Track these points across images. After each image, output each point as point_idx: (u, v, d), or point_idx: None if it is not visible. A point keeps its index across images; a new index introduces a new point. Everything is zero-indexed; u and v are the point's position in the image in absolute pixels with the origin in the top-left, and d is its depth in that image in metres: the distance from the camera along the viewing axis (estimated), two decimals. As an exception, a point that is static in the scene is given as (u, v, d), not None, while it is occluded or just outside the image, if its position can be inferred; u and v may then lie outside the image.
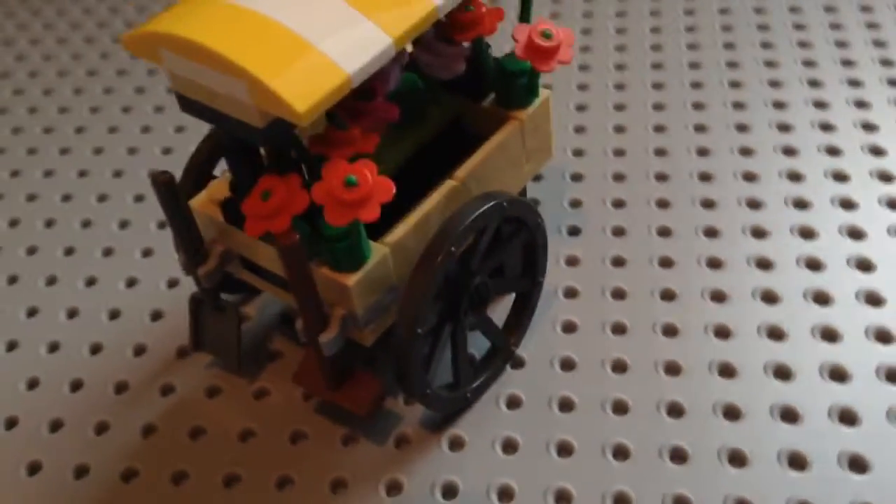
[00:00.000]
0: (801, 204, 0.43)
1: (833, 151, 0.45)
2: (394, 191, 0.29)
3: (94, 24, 0.63)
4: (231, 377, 0.39)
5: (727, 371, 0.37)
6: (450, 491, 0.35)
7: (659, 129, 0.48)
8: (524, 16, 0.38)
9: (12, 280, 0.45)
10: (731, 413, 0.36)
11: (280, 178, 0.31)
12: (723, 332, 0.38)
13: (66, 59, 0.60)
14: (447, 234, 0.32)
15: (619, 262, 0.42)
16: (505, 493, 0.34)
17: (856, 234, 0.41)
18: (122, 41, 0.31)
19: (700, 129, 0.48)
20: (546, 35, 0.35)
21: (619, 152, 0.47)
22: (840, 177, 0.44)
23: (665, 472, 0.34)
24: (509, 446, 0.36)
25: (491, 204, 0.33)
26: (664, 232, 0.43)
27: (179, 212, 0.34)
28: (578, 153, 0.47)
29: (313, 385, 0.35)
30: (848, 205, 0.43)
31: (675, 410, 0.36)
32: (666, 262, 0.41)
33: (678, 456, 0.34)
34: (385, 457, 0.36)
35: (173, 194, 0.33)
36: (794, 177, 0.44)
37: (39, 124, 0.55)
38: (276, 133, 0.30)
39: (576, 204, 0.45)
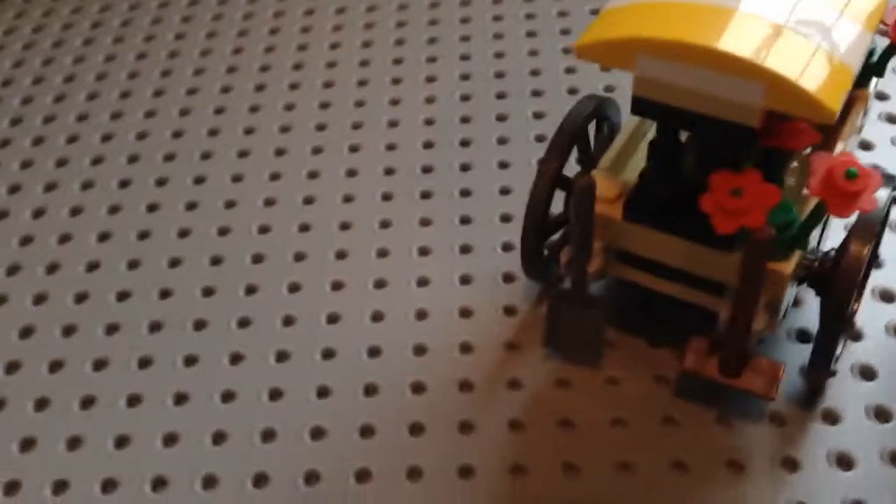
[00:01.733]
0: None
1: None
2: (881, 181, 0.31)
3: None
4: (575, 368, 0.40)
5: None
6: (843, 461, 0.37)
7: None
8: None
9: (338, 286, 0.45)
10: None
11: (738, 174, 0.32)
12: None
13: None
14: (876, 221, 0.34)
15: None
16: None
17: None
18: (577, 50, 0.31)
19: None
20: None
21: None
22: None
23: None
24: (880, 415, 0.38)
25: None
26: None
27: (592, 216, 0.35)
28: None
29: (709, 371, 0.37)
30: None
31: None
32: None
33: None
34: (767, 434, 0.38)
35: (592, 201, 0.34)
36: None
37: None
38: (760, 131, 0.31)
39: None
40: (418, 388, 0.40)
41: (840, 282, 0.34)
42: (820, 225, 0.34)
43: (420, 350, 0.42)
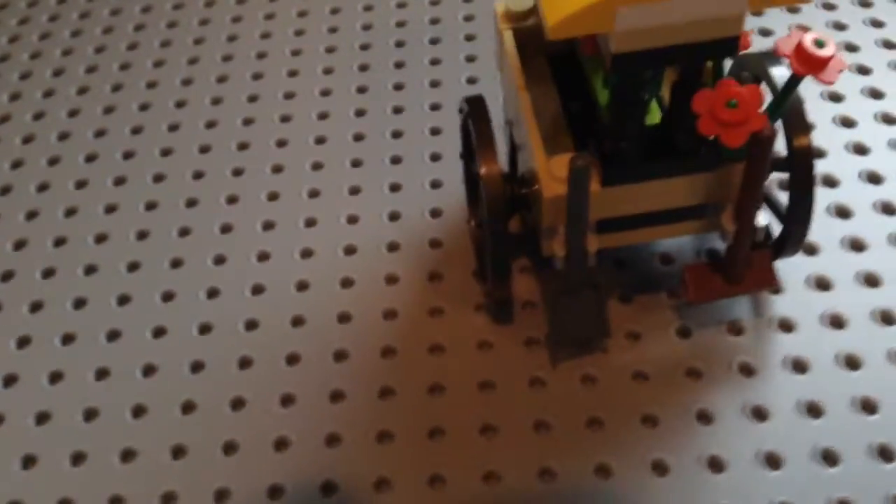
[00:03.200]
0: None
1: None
2: None
3: None
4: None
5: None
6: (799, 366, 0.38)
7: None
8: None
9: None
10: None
11: (713, 89, 0.32)
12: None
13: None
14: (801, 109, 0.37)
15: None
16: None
17: None
18: (552, 32, 0.30)
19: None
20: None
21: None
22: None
23: None
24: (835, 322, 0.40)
25: None
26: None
27: (587, 200, 0.34)
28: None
29: (714, 293, 0.37)
30: None
31: None
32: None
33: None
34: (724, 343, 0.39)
35: (589, 181, 0.33)
36: None
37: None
38: None
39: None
40: (344, 318, 0.42)
41: (802, 162, 0.36)
42: None
43: (347, 283, 0.43)
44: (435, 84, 0.52)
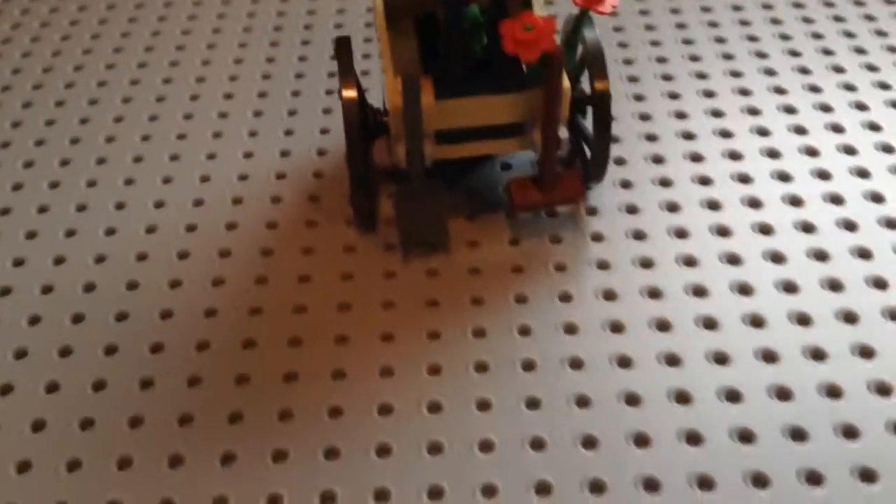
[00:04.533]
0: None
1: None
2: None
3: None
4: (359, 236, 0.47)
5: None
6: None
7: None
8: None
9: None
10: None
11: (516, 19, 0.40)
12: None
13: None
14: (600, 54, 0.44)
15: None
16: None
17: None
18: None
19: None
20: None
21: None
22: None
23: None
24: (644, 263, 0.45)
25: None
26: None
27: (419, 105, 0.40)
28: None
29: (532, 202, 0.44)
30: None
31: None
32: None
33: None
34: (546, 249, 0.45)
35: (419, 90, 0.40)
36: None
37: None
38: None
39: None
40: (225, 253, 0.47)
41: (600, 102, 0.43)
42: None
43: (231, 226, 0.48)
44: (332, 74, 0.59)
